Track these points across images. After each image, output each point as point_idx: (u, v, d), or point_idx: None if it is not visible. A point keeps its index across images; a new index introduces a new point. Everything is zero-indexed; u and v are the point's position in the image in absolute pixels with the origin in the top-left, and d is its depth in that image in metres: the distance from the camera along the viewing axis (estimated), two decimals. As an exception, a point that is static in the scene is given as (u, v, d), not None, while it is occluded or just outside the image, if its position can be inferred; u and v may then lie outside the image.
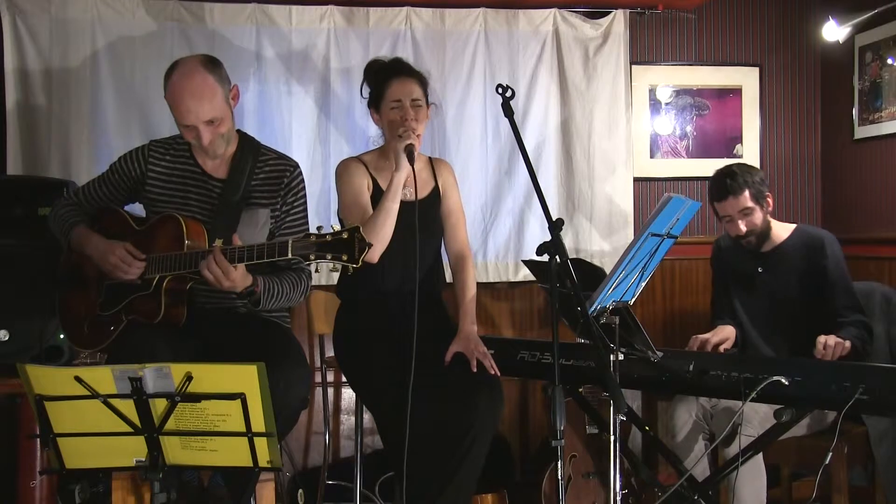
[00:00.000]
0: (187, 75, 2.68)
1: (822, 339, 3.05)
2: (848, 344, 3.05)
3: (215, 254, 2.48)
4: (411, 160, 2.79)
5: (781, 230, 3.40)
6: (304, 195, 2.92)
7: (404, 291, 2.97)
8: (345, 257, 2.30)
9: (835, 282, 3.26)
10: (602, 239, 4.26)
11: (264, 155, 2.88)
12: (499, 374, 2.87)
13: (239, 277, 2.54)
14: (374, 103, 3.01)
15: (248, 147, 2.86)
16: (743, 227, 3.30)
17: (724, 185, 3.29)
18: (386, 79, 2.97)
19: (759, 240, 3.36)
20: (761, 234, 3.35)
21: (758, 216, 3.30)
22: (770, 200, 3.35)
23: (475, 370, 2.83)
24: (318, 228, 2.38)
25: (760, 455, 3.04)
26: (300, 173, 2.91)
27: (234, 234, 2.58)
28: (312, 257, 2.33)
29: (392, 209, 2.82)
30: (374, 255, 2.81)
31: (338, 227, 2.33)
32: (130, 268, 2.64)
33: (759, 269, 3.40)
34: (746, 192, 3.26)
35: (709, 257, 3.61)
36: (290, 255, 2.36)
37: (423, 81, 3.01)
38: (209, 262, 2.48)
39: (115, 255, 2.65)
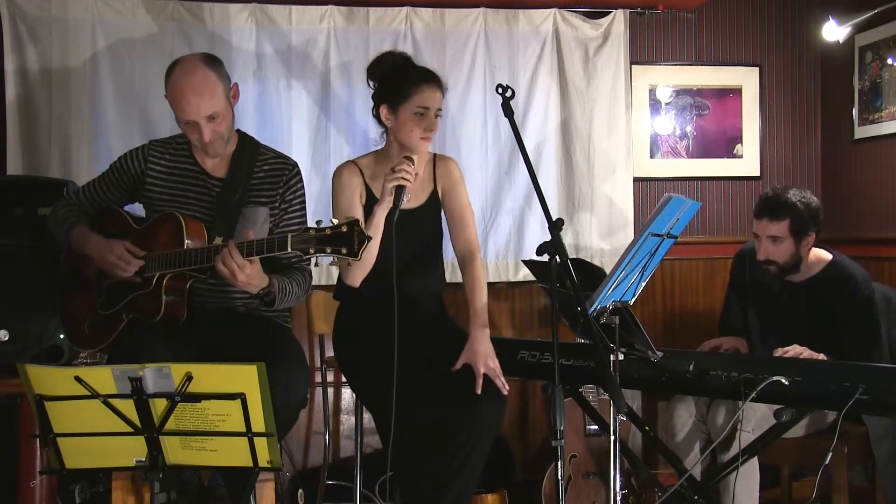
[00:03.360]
0: (189, 72, 2.69)
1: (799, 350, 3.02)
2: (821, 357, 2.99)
3: (230, 249, 2.46)
4: (396, 203, 2.68)
5: (815, 263, 3.25)
6: (303, 194, 2.91)
7: (403, 293, 2.97)
8: (344, 250, 2.30)
9: (857, 327, 3.15)
10: (602, 239, 4.26)
11: (263, 154, 2.88)
12: (508, 390, 2.73)
13: (255, 274, 2.52)
14: (391, 101, 2.85)
15: (247, 146, 2.87)
16: (762, 255, 3.21)
17: (768, 204, 3.18)
18: (417, 81, 2.84)
19: (782, 271, 3.23)
20: (785, 267, 3.21)
21: (785, 249, 3.17)
22: (812, 238, 3.19)
23: (479, 391, 2.68)
24: (318, 223, 2.36)
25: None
26: (299, 172, 2.91)
27: (248, 232, 2.55)
28: (312, 251, 2.32)
29: (374, 240, 2.71)
30: (356, 279, 2.79)
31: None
32: (129, 266, 2.65)
33: (783, 296, 3.31)
34: (786, 222, 3.14)
35: (709, 257, 3.60)
36: (289, 249, 2.35)
37: (444, 93, 2.92)
38: (224, 256, 2.46)
39: (113, 253, 2.66)
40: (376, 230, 2.71)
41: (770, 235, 3.18)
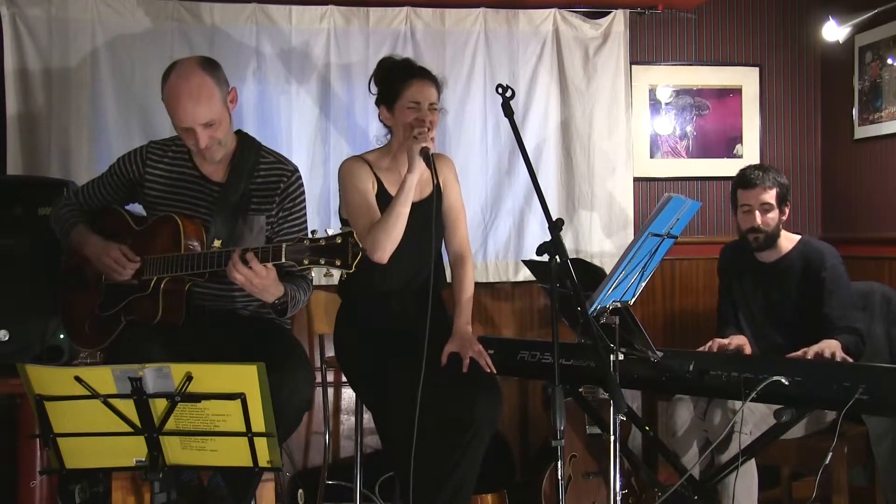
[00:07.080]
0: (185, 77, 2.64)
1: (822, 350, 3.04)
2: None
3: (248, 257, 2.41)
4: (428, 163, 2.77)
5: (786, 242, 3.42)
6: (304, 201, 2.86)
7: (405, 291, 2.97)
8: (338, 262, 2.28)
9: (831, 291, 3.27)
10: (602, 239, 4.26)
11: (264, 157, 2.83)
12: (494, 371, 2.86)
13: (271, 283, 2.50)
14: (387, 101, 2.96)
15: (247, 147, 2.82)
16: (758, 220, 3.34)
17: (756, 175, 3.37)
18: (406, 78, 2.93)
19: (767, 242, 3.38)
20: (770, 237, 3.38)
21: (774, 216, 3.36)
22: (788, 210, 3.41)
23: (466, 371, 2.81)
24: (313, 233, 2.34)
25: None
26: (298, 178, 2.85)
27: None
28: (306, 262, 2.29)
29: (404, 210, 2.80)
30: (385, 254, 2.80)
31: (339, 227, 2.32)
32: (124, 269, 2.64)
33: (760, 281, 3.43)
34: (775, 190, 3.34)
35: (709, 257, 3.62)
36: (283, 259, 2.33)
37: (440, 87, 2.99)
38: (236, 262, 2.41)
39: (110, 256, 2.65)
40: (406, 199, 2.80)
41: (764, 203, 3.34)
